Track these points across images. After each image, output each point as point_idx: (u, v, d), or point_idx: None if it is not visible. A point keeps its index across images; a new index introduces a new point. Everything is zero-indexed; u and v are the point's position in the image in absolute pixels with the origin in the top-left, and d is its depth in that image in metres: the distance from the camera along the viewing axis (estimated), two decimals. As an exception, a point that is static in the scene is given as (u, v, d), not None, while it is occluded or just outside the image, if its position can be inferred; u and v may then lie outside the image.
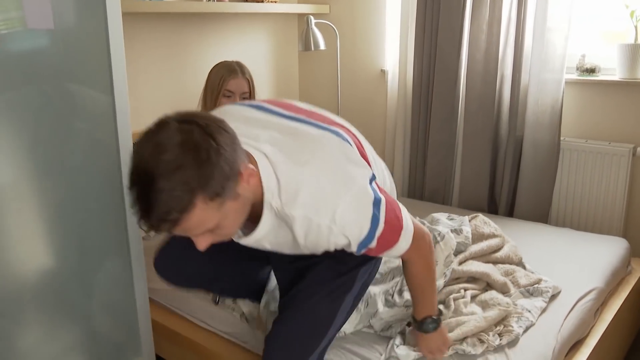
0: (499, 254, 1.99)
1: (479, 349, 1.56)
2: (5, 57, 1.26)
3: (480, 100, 2.74)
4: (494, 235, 2.07)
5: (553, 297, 1.83)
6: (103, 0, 1.40)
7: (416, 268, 1.43)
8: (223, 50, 3.11)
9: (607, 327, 1.85)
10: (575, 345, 1.74)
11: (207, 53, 3.04)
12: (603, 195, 2.60)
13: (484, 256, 1.98)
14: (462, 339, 1.60)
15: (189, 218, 1.05)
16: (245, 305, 1.84)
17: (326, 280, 1.43)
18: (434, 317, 1.51)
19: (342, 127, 1.39)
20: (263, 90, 3.42)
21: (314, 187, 1.18)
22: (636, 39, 2.45)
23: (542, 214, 2.70)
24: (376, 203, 1.22)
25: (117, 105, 1.48)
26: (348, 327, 1.67)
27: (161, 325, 1.93)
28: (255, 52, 3.32)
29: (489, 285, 1.84)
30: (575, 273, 1.99)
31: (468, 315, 1.67)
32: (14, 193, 1.37)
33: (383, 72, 3.19)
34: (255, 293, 1.82)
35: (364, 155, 1.34)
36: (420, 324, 1.51)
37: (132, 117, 2.71)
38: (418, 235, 1.35)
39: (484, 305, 1.74)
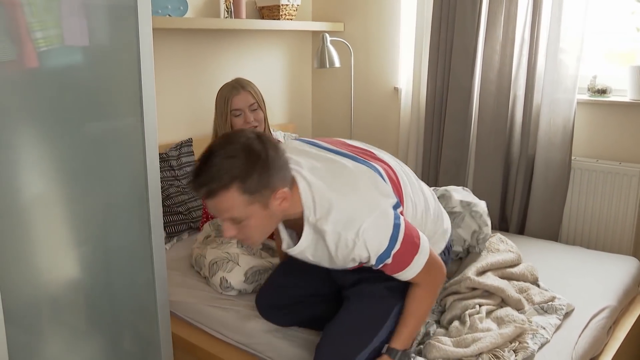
0: (514, 270, 2.01)
1: (495, 365, 1.58)
2: (46, 72, 1.31)
3: (493, 119, 2.78)
4: (509, 252, 2.10)
5: (567, 314, 1.86)
6: (135, 18, 1.45)
7: (421, 291, 1.53)
8: (239, 66, 3.17)
9: (620, 345, 1.87)
10: (589, 363, 1.77)
11: (223, 68, 3.10)
12: (613, 214, 2.63)
13: (500, 269, 2.01)
14: (478, 355, 1.62)
15: (222, 196, 1.31)
16: None
17: (376, 292, 1.58)
18: (409, 351, 1.55)
19: (383, 162, 1.60)
20: (277, 106, 3.48)
21: (343, 208, 1.40)
22: (647, 61, 2.50)
23: (552, 233, 2.73)
24: (396, 226, 1.41)
25: (146, 119, 1.53)
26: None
27: (180, 338, 1.96)
28: (269, 68, 3.38)
29: (503, 301, 1.86)
30: (587, 291, 2.01)
31: (484, 331, 1.70)
32: (43, 204, 1.42)
33: (396, 90, 3.24)
34: None
35: (397, 188, 1.55)
36: (397, 355, 1.52)
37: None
38: (436, 263, 1.53)
39: (500, 322, 1.76)
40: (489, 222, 2.11)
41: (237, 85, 2.29)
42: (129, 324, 1.73)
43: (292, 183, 1.43)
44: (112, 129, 1.51)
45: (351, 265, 1.47)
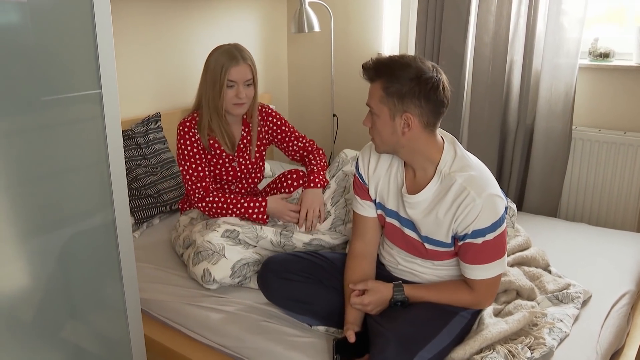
0: (525, 253, 1.84)
1: (513, 365, 1.40)
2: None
3: (488, 86, 2.58)
4: (517, 236, 1.92)
5: (584, 302, 1.69)
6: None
7: (467, 296, 1.51)
8: (208, 32, 2.88)
9: (642, 334, 1.72)
10: (612, 357, 1.60)
11: (191, 34, 2.80)
12: (617, 188, 2.47)
13: (513, 253, 1.85)
14: (492, 349, 1.44)
15: (375, 83, 1.47)
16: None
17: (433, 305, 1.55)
18: (407, 302, 1.54)
19: None
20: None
21: (479, 174, 1.48)
22: (656, 22, 2.32)
23: (551, 208, 2.57)
24: (502, 218, 1.46)
25: (105, 91, 1.26)
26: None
27: (153, 341, 1.73)
28: (241, 34, 3.09)
29: (518, 294, 1.68)
30: (602, 275, 1.85)
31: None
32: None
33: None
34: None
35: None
36: (397, 301, 1.53)
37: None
38: (496, 288, 1.54)
39: (508, 314, 1.58)
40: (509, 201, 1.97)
41: (237, 55, 1.97)
42: (95, 329, 1.49)
43: (441, 141, 1.52)
44: (63, 103, 1.24)
45: (443, 233, 1.49)
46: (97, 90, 1.25)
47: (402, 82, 1.41)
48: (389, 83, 1.43)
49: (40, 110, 1.21)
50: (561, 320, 1.57)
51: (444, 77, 1.46)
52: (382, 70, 1.45)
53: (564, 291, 1.70)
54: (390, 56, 1.48)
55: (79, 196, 1.33)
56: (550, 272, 1.83)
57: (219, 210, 1.98)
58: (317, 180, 2.04)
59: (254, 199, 1.99)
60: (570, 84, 2.41)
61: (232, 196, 2.00)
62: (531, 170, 2.56)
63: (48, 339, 1.37)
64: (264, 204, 1.96)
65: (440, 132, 1.55)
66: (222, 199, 1.99)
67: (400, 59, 1.45)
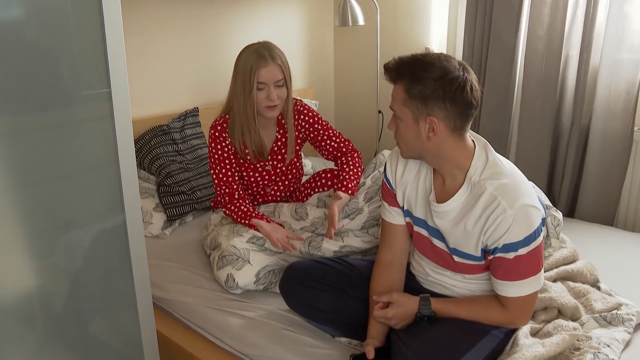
0: (571, 267, 1.69)
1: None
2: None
3: (540, 83, 2.41)
4: (562, 248, 1.77)
5: (637, 326, 1.53)
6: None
7: (500, 315, 1.40)
8: (252, 26, 2.83)
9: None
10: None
11: (234, 29, 2.76)
12: (683, 195, 2.25)
13: (557, 267, 1.71)
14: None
15: (397, 85, 1.37)
16: None
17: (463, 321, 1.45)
18: (434, 318, 1.44)
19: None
20: (295, 70, 3.13)
21: (513, 181, 1.36)
22: None
23: (607, 216, 2.37)
24: (538, 231, 1.33)
25: (114, 92, 1.22)
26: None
27: (174, 344, 1.70)
28: (286, 27, 3.03)
29: (560, 312, 1.54)
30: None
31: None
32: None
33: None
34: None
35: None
36: (423, 315, 1.43)
37: (148, 100, 2.49)
38: (532, 307, 1.43)
39: (547, 336, 1.45)
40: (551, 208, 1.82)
41: (266, 55, 1.89)
42: (106, 329, 1.47)
43: (472, 145, 1.41)
44: (71, 102, 1.21)
45: (472, 245, 1.38)
46: (107, 90, 1.21)
47: (425, 83, 1.31)
48: (411, 85, 1.33)
49: (48, 110, 1.18)
50: (608, 346, 1.41)
51: (472, 77, 1.34)
52: (403, 71, 1.35)
53: (614, 312, 1.54)
54: (413, 55, 1.37)
55: (89, 196, 1.30)
56: (599, 288, 1.67)
57: (237, 219, 1.93)
58: (349, 185, 1.95)
59: (264, 217, 1.92)
60: (633, 81, 2.21)
61: (249, 208, 1.94)
62: (586, 174, 2.37)
63: (62, 337, 1.37)
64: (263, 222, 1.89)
65: (471, 136, 1.43)
66: (240, 210, 1.93)
67: (423, 57, 1.35)
